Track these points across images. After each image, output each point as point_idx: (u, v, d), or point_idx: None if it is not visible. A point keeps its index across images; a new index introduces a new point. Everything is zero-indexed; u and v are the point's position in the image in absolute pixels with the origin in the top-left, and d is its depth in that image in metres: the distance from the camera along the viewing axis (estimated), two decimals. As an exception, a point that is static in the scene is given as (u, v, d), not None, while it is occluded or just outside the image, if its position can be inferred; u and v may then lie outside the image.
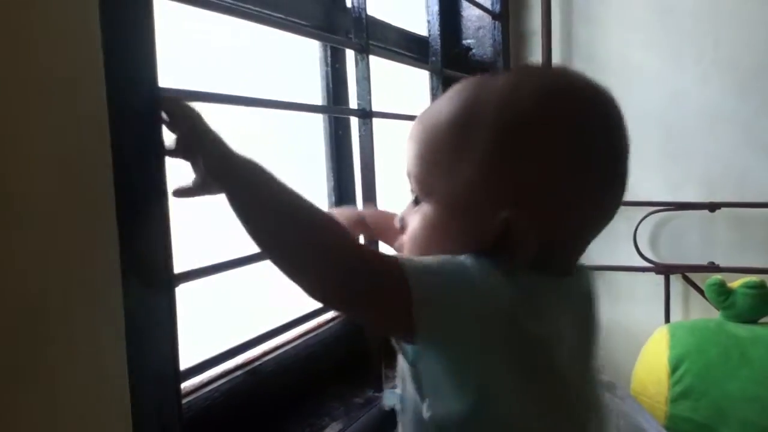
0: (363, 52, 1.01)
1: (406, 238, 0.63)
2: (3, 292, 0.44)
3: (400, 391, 0.64)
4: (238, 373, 0.90)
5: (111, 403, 0.53)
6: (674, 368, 1.44)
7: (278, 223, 0.54)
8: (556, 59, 1.77)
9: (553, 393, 0.57)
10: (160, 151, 0.57)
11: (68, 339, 0.49)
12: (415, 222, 0.62)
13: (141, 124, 0.56)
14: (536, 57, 1.78)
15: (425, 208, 0.61)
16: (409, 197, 0.65)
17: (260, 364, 0.94)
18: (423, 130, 0.61)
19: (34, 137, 0.47)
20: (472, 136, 0.56)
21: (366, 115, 1.01)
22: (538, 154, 0.55)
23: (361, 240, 0.87)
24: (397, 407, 0.64)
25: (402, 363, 0.63)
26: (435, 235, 0.60)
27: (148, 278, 0.56)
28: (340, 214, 0.87)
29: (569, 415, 0.59)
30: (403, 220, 0.65)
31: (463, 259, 0.54)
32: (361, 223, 0.84)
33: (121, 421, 0.54)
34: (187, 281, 0.64)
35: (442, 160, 0.58)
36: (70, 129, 0.49)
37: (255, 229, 0.54)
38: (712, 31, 1.67)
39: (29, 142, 0.46)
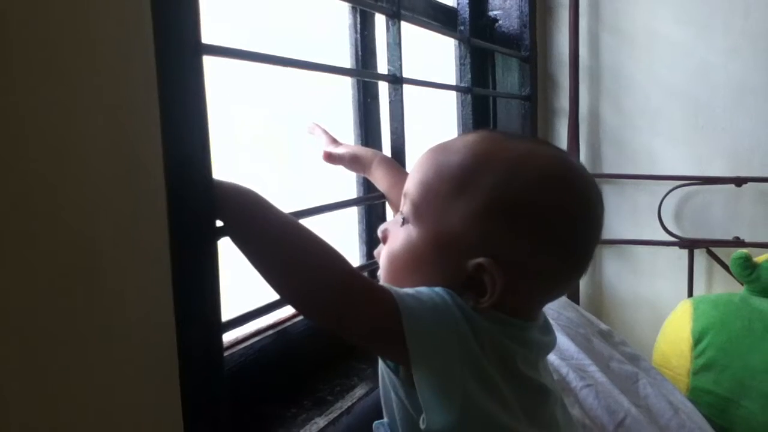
0: (394, 17, 1.01)
1: (384, 253, 0.69)
2: (58, 241, 0.46)
3: (386, 418, 0.70)
4: (269, 332, 0.92)
5: (159, 349, 0.55)
6: (697, 341, 1.45)
7: (278, 256, 0.60)
8: (583, 31, 1.76)
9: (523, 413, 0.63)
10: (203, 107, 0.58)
11: (120, 288, 0.51)
12: (398, 241, 0.67)
13: (185, 77, 0.57)
14: (563, 30, 1.77)
15: (412, 231, 0.66)
16: (397, 213, 0.70)
17: (290, 325, 0.96)
18: (434, 162, 0.67)
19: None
20: (473, 188, 0.63)
21: (397, 80, 1.01)
22: (525, 228, 0.62)
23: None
24: None
25: (385, 388, 0.68)
26: (414, 260, 0.65)
27: (193, 232, 0.58)
28: (354, 152, 0.95)
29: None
30: (385, 231, 0.70)
31: (441, 292, 0.61)
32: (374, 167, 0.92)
33: (168, 369, 0.56)
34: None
35: (442, 194, 0.64)
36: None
37: (255, 258, 0.60)
38: (742, 1, 1.64)
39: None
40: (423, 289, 0.61)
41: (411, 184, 0.67)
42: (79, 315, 0.47)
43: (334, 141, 0.97)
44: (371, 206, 1.18)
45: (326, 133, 0.97)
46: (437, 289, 0.61)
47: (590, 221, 0.66)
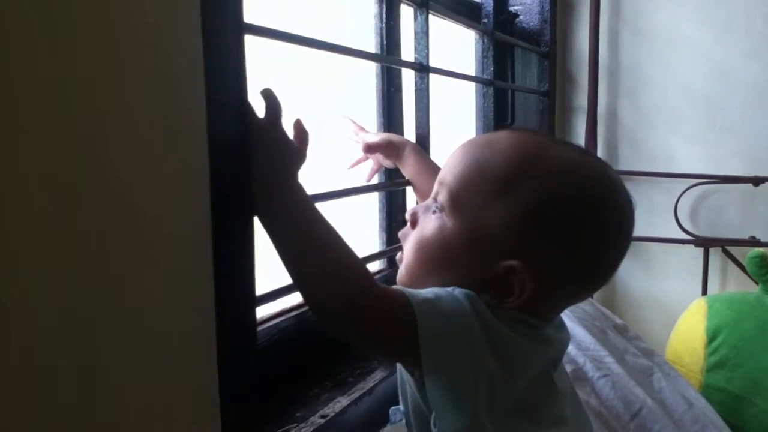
0: (422, 6, 1.02)
1: (411, 238, 0.68)
2: (105, 205, 0.47)
3: (403, 407, 0.70)
4: (292, 313, 0.93)
5: (197, 321, 0.56)
6: (711, 339, 1.45)
7: (310, 258, 0.61)
8: (603, 29, 1.76)
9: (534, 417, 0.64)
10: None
11: (159, 263, 0.52)
12: (429, 228, 0.66)
13: (228, 54, 0.58)
14: (583, 27, 1.77)
15: (446, 221, 0.65)
16: (429, 199, 0.69)
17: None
18: (477, 156, 0.66)
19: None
20: (517, 191, 0.62)
21: (423, 69, 1.02)
22: (562, 240, 0.63)
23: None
24: (404, 422, 0.70)
25: (402, 378, 0.68)
26: (443, 250, 0.65)
27: (231, 206, 0.59)
28: (389, 138, 0.97)
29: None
30: (414, 215, 0.70)
31: (461, 298, 0.60)
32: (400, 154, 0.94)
33: (208, 339, 0.57)
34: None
35: (483, 191, 0.64)
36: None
37: (288, 259, 0.61)
38: (763, 4, 1.65)
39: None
40: (442, 294, 0.61)
41: (450, 175, 0.66)
42: (116, 288, 0.49)
43: (362, 129, 0.98)
44: (392, 195, 1.19)
45: (354, 122, 0.99)
46: (457, 293, 0.61)
47: (624, 240, 0.67)
